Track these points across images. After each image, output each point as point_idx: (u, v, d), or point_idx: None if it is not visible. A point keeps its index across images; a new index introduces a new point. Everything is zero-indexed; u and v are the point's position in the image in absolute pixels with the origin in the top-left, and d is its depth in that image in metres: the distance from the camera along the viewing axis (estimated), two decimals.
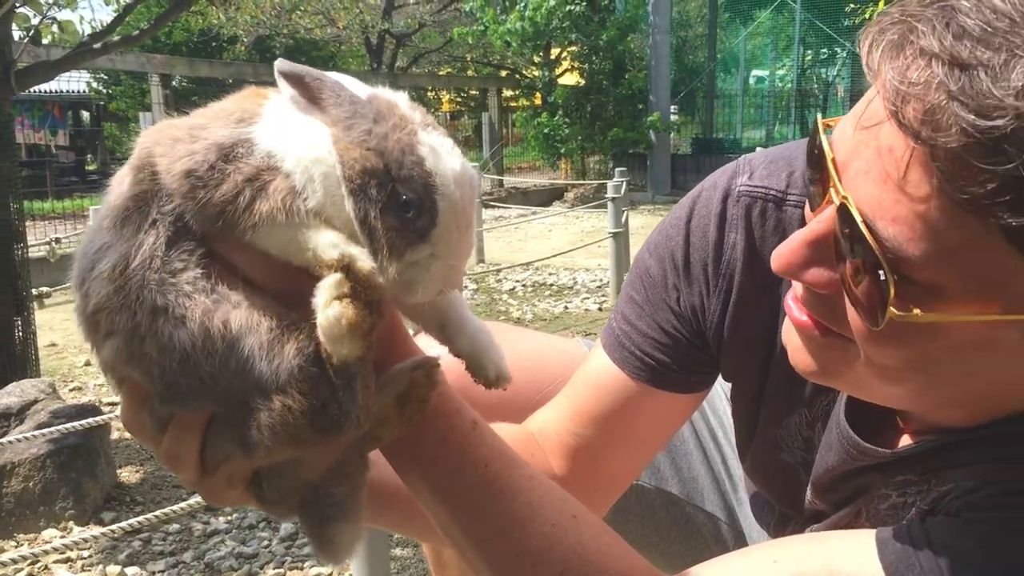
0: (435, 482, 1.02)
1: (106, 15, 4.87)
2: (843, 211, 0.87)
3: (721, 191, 1.26)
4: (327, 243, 0.85)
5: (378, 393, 0.92)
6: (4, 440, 3.10)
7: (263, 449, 0.87)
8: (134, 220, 0.88)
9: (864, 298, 0.88)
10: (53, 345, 6.95)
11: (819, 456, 1.25)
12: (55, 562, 3.33)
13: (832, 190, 0.89)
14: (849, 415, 1.17)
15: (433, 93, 36.45)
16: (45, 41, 5.26)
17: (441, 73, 30.72)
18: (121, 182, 0.92)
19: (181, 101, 19.42)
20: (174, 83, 15.89)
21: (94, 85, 26.41)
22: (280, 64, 0.88)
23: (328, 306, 0.83)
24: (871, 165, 0.84)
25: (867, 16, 11.53)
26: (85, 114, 28.81)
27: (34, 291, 5.00)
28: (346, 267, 0.83)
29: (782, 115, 22.47)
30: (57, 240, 8.32)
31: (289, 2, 22.91)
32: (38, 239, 9.29)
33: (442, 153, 0.86)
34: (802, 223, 1.08)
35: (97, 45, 4.63)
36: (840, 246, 0.89)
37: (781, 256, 0.95)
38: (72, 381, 5.94)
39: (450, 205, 0.85)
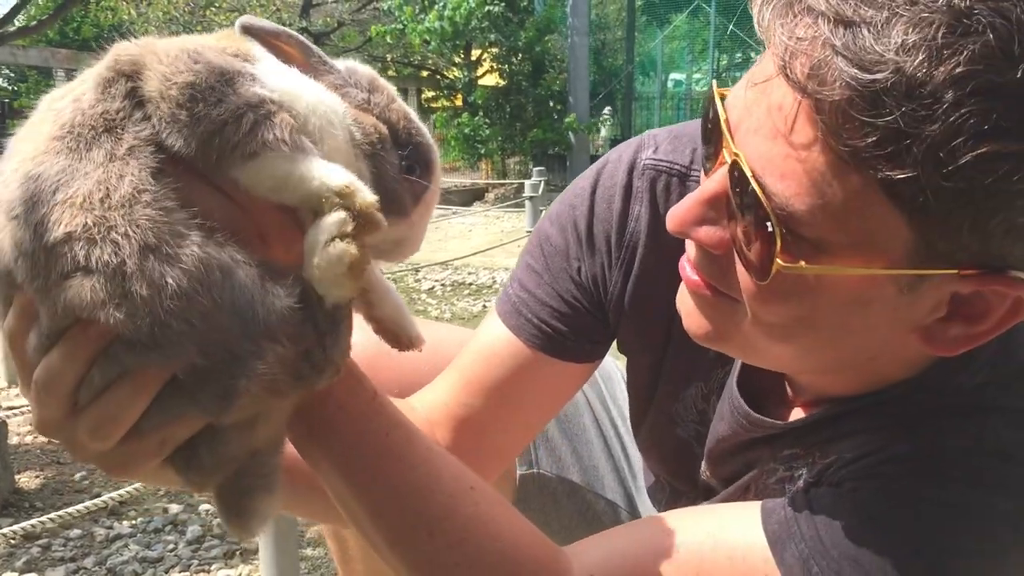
0: (334, 451, 1.01)
1: (7, 7, 4.70)
2: (734, 168, 0.89)
3: (627, 164, 1.28)
4: (334, 172, 0.80)
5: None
6: None
7: (245, 400, 0.79)
8: (103, 143, 0.78)
9: (753, 254, 0.90)
10: None
11: (712, 426, 1.28)
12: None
13: (724, 150, 0.92)
14: (742, 387, 1.21)
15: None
16: None
17: None
18: (78, 97, 0.81)
19: None
20: None
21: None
22: (247, 20, 0.86)
23: (329, 245, 0.78)
24: (761, 123, 0.87)
25: None
26: None
27: None
28: (352, 202, 0.79)
29: (699, 116, 22.91)
30: None
31: None
32: None
33: (416, 118, 0.96)
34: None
35: None
36: (731, 204, 0.92)
37: (676, 215, 0.97)
38: None
39: (438, 168, 0.97)
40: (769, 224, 0.86)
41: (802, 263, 0.87)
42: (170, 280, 0.75)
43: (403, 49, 25.12)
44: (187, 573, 3.17)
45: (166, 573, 3.18)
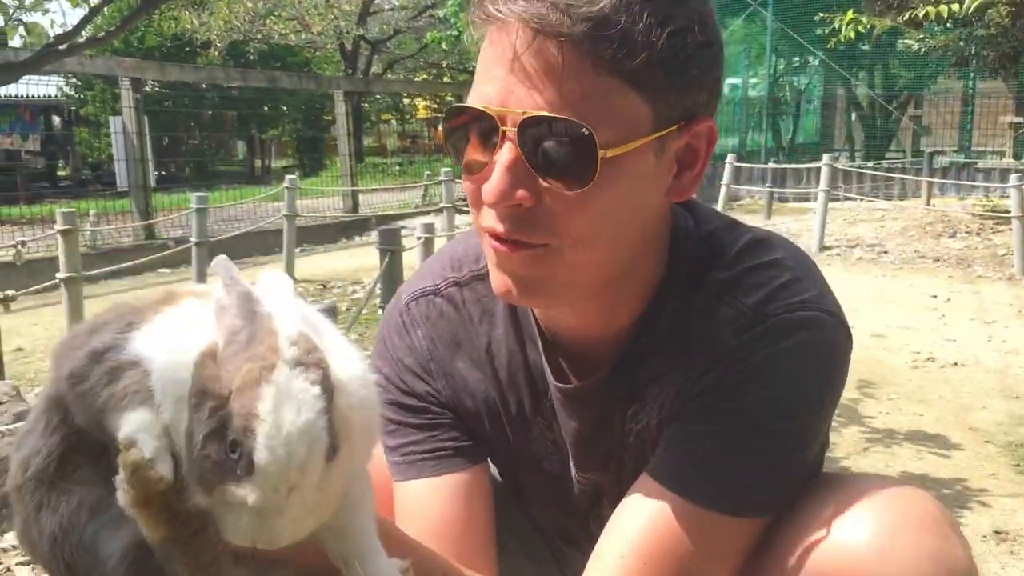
0: None
1: (76, 19, 4.85)
2: (528, 122, 1.11)
3: (396, 312, 1.54)
4: (129, 425, 0.87)
5: None
6: None
7: None
8: (43, 420, 0.99)
9: (572, 170, 1.13)
10: (20, 350, 6.88)
11: (564, 435, 1.48)
12: (17, 564, 3.30)
13: (505, 128, 1.13)
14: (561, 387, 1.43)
15: (409, 100, 36.45)
16: (12, 43, 5.22)
17: (416, 79, 30.73)
18: (44, 385, 1.03)
19: (153, 105, 19.32)
20: (146, 88, 15.79)
21: (66, 89, 26.19)
22: (216, 261, 0.93)
23: (119, 488, 0.86)
24: (531, 83, 1.11)
25: (837, 25, 11.65)
26: (56, 119, 28.56)
27: (0, 294, 4.95)
28: (124, 456, 0.85)
29: (755, 122, 22.65)
30: (23, 243, 8.22)
31: (263, 7, 22.84)
32: (5, 244, 9.20)
33: (286, 403, 0.81)
34: (454, 298, 1.48)
35: (63, 46, 4.61)
36: (533, 155, 1.13)
37: (493, 191, 1.14)
38: (38, 385, 5.88)
39: (270, 462, 0.80)
40: (584, 130, 1.10)
41: (607, 152, 1.11)
42: (47, 530, 0.95)
43: (458, 55, 25.29)
44: None
45: None
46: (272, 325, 0.86)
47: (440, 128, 1.27)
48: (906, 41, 18.11)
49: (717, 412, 1.26)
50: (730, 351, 1.26)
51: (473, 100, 1.18)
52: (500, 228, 1.18)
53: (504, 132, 1.14)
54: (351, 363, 0.94)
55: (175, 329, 0.91)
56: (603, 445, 1.45)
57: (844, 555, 1.15)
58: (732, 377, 1.25)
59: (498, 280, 1.25)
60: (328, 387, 0.84)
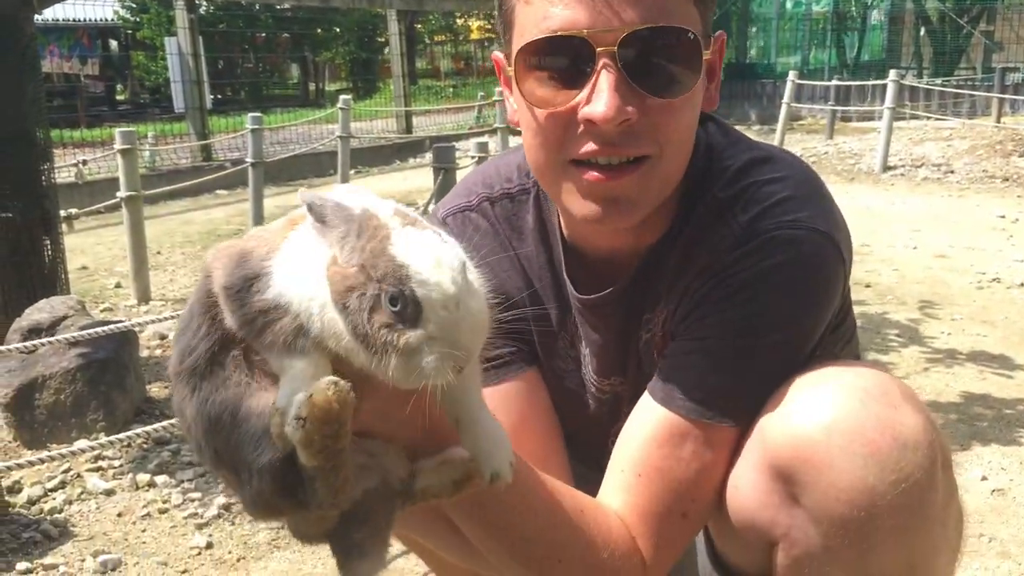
0: (486, 529, 1.28)
1: None
2: (630, 38, 1.17)
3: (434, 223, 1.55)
4: (286, 383, 0.99)
5: (436, 470, 1.13)
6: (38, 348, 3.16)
7: (250, 511, 1.11)
8: (197, 321, 1.08)
9: (679, 77, 1.23)
10: (84, 268, 7.05)
11: (587, 346, 1.54)
12: (87, 470, 3.42)
13: (604, 48, 1.18)
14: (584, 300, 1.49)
15: (463, 20, 35.92)
16: None
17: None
18: (199, 281, 1.11)
19: (207, 28, 19.28)
20: (200, 9, 15.74)
21: (121, 12, 26.27)
22: (300, 194, 0.99)
23: (291, 424, 0.95)
24: (627, 1, 1.17)
25: None
26: (113, 43, 28.73)
27: (63, 213, 5.04)
28: (304, 404, 0.93)
29: (818, 39, 21.93)
30: (84, 162, 8.36)
31: None
32: (67, 164, 9.36)
33: (417, 246, 0.93)
34: (486, 213, 1.53)
35: None
36: (638, 71, 1.19)
37: (606, 112, 1.18)
38: (103, 302, 6.04)
39: (429, 289, 0.91)
40: (691, 34, 1.21)
41: (705, 54, 1.25)
42: (204, 415, 1.06)
43: None
44: None
45: None
46: (369, 214, 0.97)
47: (509, 66, 1.29)
48: None
49: (703, 326, 1.32)
50: (722, 267, 1.31)
51: (541, 31, 1.20)
52: (596, 147, 1.22)
53: (602, 52, 1.18)
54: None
55: (299, 255, 1.00)
56: (621, 351, 1.50)
57: (793, 432, 1.18)
58: (719, 292, 1.31)
59: (590, 208, 1.28)
60: (444, 234, 0.99)
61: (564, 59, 1.22)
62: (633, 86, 1.20)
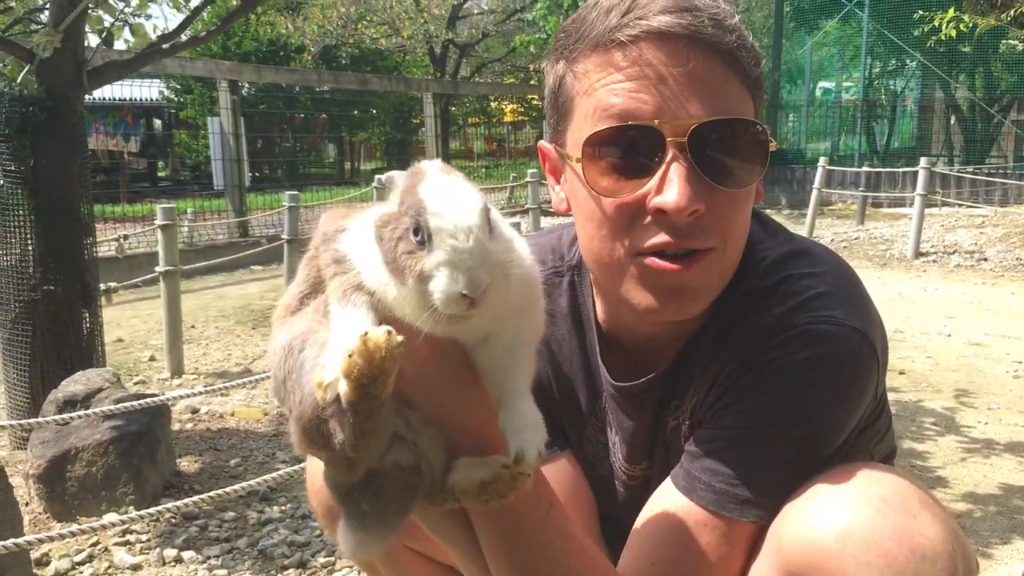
0: (501, 546, 1.23)
1: (178, 23, 5.01)
2: (700, 130, 1.19)
3: None
4: (334, 333, 1.06)
5: (468, 467, 1.14)
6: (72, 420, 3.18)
7: (295, 441, 1.15)
8: (302, 268, 1.21)
9: (745, 169, 1.25)
10: (120, 340, 7.14)
11: (618, 432, 1.53)
12: (115, 544, 3.42)
13: (673, 139, 1.20)
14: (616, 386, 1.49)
15: (496, 103, 36.61)
16: (118, 44, 5.41)
17: (504, 83, 30.85)
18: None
19: (248, 108, 19.79)
20: (243, 90, 16.20)
21: (166, 93, 27.06)
22: (386, 175, 1.12)
23: (336, 357, 1.01)
24: (691, 92, 1.20)
25: (936, 24, 11.29)
26: (157, 122, 29.52)
27: (102, 286, 5.14)
28: (354, 349, 0.99)
29: (848, 126, 22.08)
30: (125, 237, 8.54)
31: (355, 12, 23.23)
32: (108, 239, 9.55)
33: (439, 185, 1.04)
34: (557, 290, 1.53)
35: (166, 45, 4.76)
36: (706, 162, 1.20)
37: (679, 202, 1.18)
38: (137, 375, 6.10)
39: (440, 219, 1.00)
40: (758, 126, 1.24)
41: (771, 147, 1.28)
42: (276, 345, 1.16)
43: (545, 59, 25.27)
44: (332, 558, 3.30)
45: (312, 557, 3.32)
46: (417, 168, 1.08)
47: (565, 155, 1.33)
48: (1009, 41, 17.45)
49: (730, 415, 1.30)
50: (753, 356, 1.29)
51: (607, 119, 1.22)
52: (667, 239, 1.22)
53: (672, 143, 1.19)
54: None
55: (371, 217, 1.10)
56: (650, 438, 1.50)
57: (808, 538, 1.15)
58: (749, 380, 1.29)
59: (652, 299, 1.28)
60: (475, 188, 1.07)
61: (633, 149, 1.23)
62: (703, 177, 1.20)
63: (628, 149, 1.23)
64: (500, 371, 1.11)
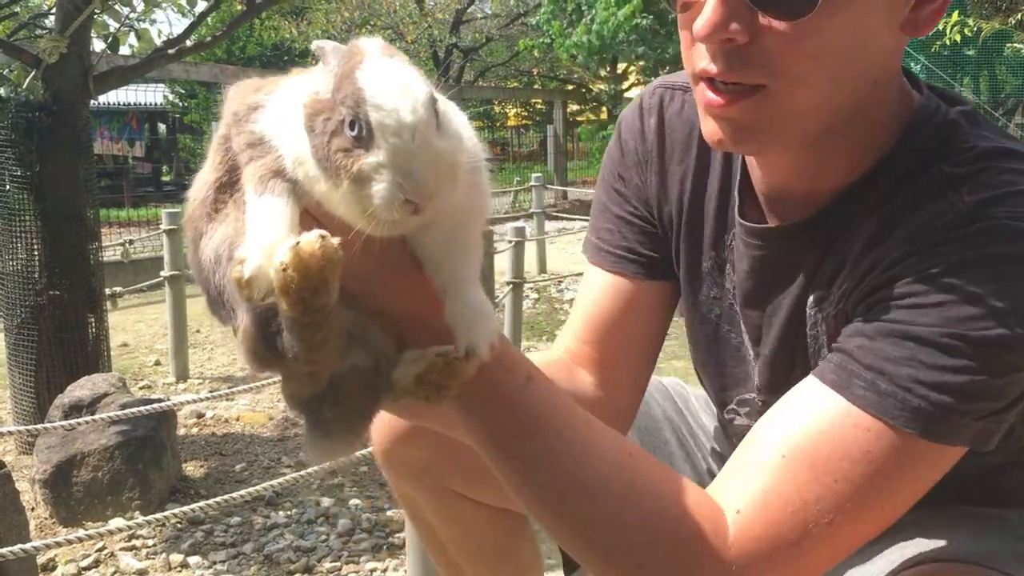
0: (489, 430, 1.09)
1: (182, 28, 5.02)
2: None
3: (639, 97, 1.52)
4: (252, 226, 0.94)
5: (408, 364, 1.02)
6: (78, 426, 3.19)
7: (245, 360, 1.03)
8: (212, 156, 1.06)
9: None
10: (125, 345, 7.14)
11: (735, 279, 1.38)
12: (121, 549, 3.42)
13: None
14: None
15: (500, 107, 36.63)
16: (123, 49, 5.42)
17: (508, 87, 30.90)
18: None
19: None
20: None
21: (170, 97, 27.13)
22: (315, 43, 0.96)
23: (273, 268, 0.90)
24: None
25: (941, 27, 11.27)
26: (162, 126, 29.61)
27: (107, 291, 5.15)
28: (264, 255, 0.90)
29: None
30: (131, 242, 8.55)
31: (359, 16, 23.28)
32: (113, 243, 9.58)
33: (380, 71, 0.90)
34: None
35: (172, 50, 4.77)
36: None
37: (704, 23, 1.04)
38: (142, 380, 6.10)
39: (383, 115, 0.87)
40: None
41: None
42: (202, 258, 1.02)
43: (549, 63, 25.35)
44: (338, 563, 3.30)
45: (318, 562, 3.31)
46: (356, 47, 0.94)
47: None
48: (1015, 45, 17.43)
49: (902, 308, 1.06)
50: (934, 243, 1.07)
51: None
52: (713, 68, 1.09)
53: None
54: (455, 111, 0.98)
55: (293, 92, 0.97)
56: (773, 317, 1.32)
57: None
58: (928, 271, 1.06)
59: (709, 127, 1.16)
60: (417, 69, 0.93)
61: None
62: (745, 0, 1.04)
63: None
64: (443, 260, 1.01)
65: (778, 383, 1.27)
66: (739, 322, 1.40)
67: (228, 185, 1.02)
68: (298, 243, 0.87)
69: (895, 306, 1.07)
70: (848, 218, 1.19)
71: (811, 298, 1.24)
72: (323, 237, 0.87)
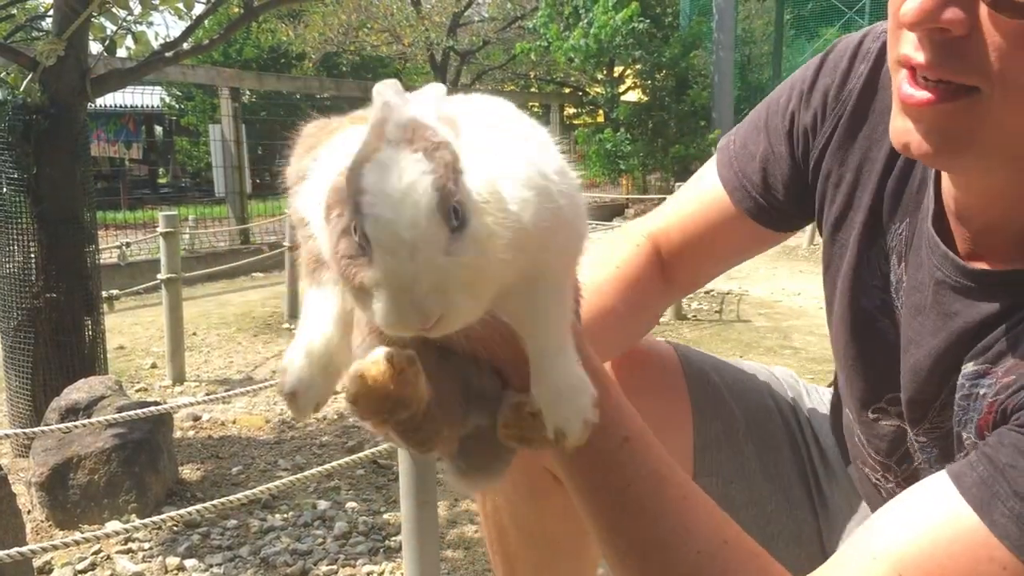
0: (575, 490, 1.04)
1: (180, 31, 5.04)
2: None
3: (862, 34, 1.35)
4: (300, 326, 0.88)
5: (503, 409, 0.94)
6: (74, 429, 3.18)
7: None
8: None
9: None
10: (121, 348, 7.13)
11: (907, 287, 1.22)
12: (117, 552, 3.41)
13: None
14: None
15: None
16: (120, 52, 5.42)
17: (505, 90, 30.91)
18: None
19: (249, 115, 19.83)
20: (244, 97, 16.22)
21: (167, 100, 27.10)
22: (377, 87, 0.82)
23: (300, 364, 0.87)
24: None
25: None
26: (158, 128, 29.56)
27: (104, 293, 5.14)
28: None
29: None
30: (127, 244, 8.54)
31: (356, 20, 23.25)
32: (110, 246, 9.58)
33: (388, 169, 0.74)
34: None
35: (169, 53, 4.77)
36: None
37: (914, 6, 0.89)
38: (139, 382, 6.10)
39: (378, 228, 0.73)
40: None
41: None
42: None
43: (546, 66, 25.34)
44: (334, 567, 3.30)
45: (315, 565, 3.31)
46: (387, 113, 0.78)
47: None
48: None
49: None
50: None
51: None
52: (920, 57, 0.93)
53: None
54: (517, 155, 0.85)
55: (334, 160, 0.85)
56: (938, 363, 1.16)
57: None
58: None
59: (898, 126, 1.00)
60: (440, 157, 0.75)
61: None
62: None
63: None
64: (521, 329, 0.89)
65: (922, 415, 1.19)
66: (897, 319, 1.26)
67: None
68: (360, 372, 0.79)
69: None
70: None
71: (967, 367, 1.08)
72: (390, 358, 0.79)
